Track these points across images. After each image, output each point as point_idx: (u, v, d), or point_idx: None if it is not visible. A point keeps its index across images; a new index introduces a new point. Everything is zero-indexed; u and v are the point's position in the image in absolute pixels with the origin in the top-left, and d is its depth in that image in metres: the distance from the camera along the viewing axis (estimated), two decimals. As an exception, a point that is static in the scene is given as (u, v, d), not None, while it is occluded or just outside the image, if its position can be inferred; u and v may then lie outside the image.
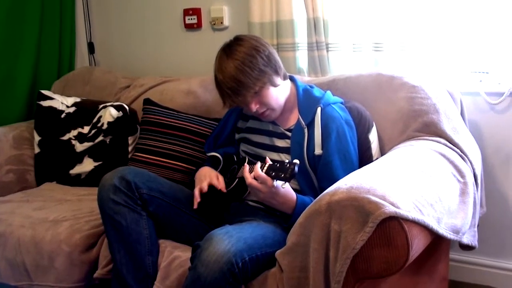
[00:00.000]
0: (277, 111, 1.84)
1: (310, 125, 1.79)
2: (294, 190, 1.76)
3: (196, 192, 1.83)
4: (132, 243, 1.76)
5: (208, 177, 1.88)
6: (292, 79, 1.92)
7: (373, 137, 1.89)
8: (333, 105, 1.82)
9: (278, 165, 1.61)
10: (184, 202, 1.87)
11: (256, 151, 1.92)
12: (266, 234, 1.62)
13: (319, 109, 1.79)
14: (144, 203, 1.78)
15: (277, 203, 1.68)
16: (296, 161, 1.57)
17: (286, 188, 1.65)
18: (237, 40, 1.80)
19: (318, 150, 1.76)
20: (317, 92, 1.88)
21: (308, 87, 1.90)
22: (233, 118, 2.04)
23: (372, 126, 1.90)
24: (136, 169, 1.88)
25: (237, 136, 2.03)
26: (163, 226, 1.84)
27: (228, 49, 1.78)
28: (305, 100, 1.85)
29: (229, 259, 1.46)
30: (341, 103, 1.89)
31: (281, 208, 1.69)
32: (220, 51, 1.81)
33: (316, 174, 1.78)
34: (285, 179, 1.56)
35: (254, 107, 1.79)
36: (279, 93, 1.81)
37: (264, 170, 1.63)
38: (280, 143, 1.87)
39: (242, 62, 1.73)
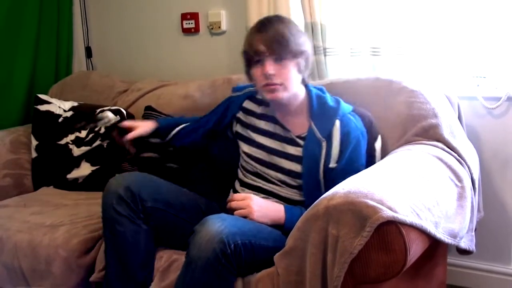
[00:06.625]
0: (286, 95, 1.74)
1: (328, 138, 1.75)
2: (299, 202, 1.78)
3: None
4: (128, 254, 1.73)
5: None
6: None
7: (378, 145, 1.88)
8: (349, 115, 1.79)
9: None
10: (189, 210, 1.83)
11: (263, 154, 1.86)
12: (261, 228, 1.63)
13: (337, 122, 1.75)
14: (147, 216, 1.75)
15: (270, 211, 1.70)
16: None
17: (267, 200, 1.75)
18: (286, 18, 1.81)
19: (333, 164, 1.73)
20: (330, 100, 1.82)
21: (321, 94, 1.84)
22: (233, 109, 1.96)
23: (378, 135, 1.89)
24: (143, 178, 1.81)
25: (235, 127, 1.96)
26: (166, 237, 1.81)
27: (276, 18, 1.79)
28: (320, 109, 1.79)
29: (221, 239, 1.46)
30: (353, 110, 1.85)
31: (277, 217, 1.70)
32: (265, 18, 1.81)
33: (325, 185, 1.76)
34: None
35: (270, 68, 1.70)
36: (296, 81, 1.75)
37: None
38: (291, 150, 1.81)
39: (291, 27, 1.74)
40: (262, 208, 1.69)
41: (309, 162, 1.76)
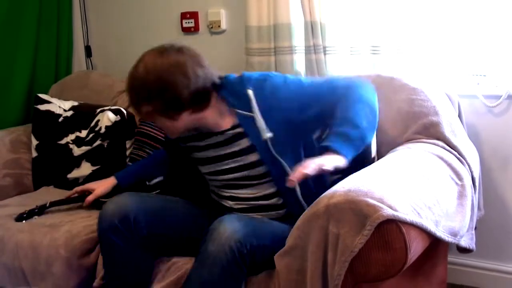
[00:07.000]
0: (175, 136, 1.76)
1: (253, 111, 1.67)
2: (274, 194, 1.74)
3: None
4: (122, 276, 1.73)
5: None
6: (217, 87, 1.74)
7: None
8: (259, 77, 1.72)
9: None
10: (187, 226, 1.79)
11: (218, 165, 1.79)
12: (275, 231, 1.62)
13: (250, 92, 1.68)
14: (144, 242, 1.72)
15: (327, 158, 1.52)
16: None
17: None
18: (168, 50, 1.71)
19: (265, 135, 1.66)
20: (234, 77, 1.76)
21: (227, 80, 1.75)
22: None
23: None
24: (140, 202, 1.74)
25: (192, 155, 1.88)
26: (164, 252, 1.79)
27: (161, 51, 1.71)
28: (230, 91, 1.73)
29: (238, 239, 1.47)
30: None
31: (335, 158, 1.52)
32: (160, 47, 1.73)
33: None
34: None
35: (148, 118, 1.74)
36: (174, 123, 1.68)
37: None
38: (238, 146, 1.74)
39: (147, 79, 1.63)
40: (320, 158, 1.50)
41: (260, 144, 1.69)
